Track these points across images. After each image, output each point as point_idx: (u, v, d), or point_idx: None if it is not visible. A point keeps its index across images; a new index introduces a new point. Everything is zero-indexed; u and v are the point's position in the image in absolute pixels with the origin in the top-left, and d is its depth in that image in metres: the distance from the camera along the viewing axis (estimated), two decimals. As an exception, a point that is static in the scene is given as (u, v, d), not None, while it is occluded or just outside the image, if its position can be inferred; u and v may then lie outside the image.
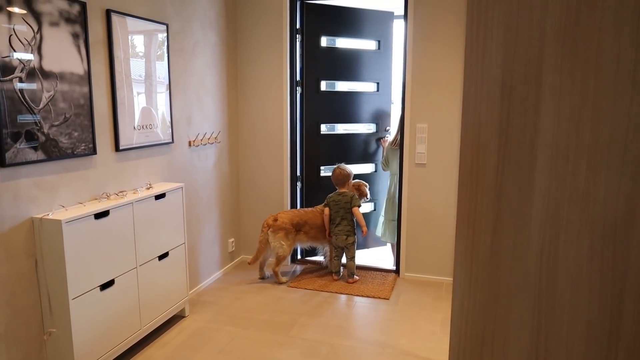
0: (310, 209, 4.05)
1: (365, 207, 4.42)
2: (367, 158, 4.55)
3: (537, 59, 1.22)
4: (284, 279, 3.93)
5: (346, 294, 3.73)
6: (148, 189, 2.97)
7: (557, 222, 1.25)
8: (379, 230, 4.44)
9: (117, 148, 2.80)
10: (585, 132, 1.19)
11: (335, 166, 4.12)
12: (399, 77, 4.07)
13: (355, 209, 3.94)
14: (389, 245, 4.59)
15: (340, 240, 3.96)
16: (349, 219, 3.96)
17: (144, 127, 2.99)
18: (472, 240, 1.34)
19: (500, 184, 1.29)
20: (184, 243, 3.21)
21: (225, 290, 3.77)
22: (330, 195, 4.03)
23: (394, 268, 4.20)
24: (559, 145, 1.22)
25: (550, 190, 1.25)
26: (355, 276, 3.99)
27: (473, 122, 1.29)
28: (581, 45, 1.18)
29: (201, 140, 3.67)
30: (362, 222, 3.95)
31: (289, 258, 4.31)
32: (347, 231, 3.95)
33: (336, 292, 3.75)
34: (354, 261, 3.99)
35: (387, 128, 4.53)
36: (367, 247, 4.65)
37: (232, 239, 4.27)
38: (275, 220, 3.85)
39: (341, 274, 4.06)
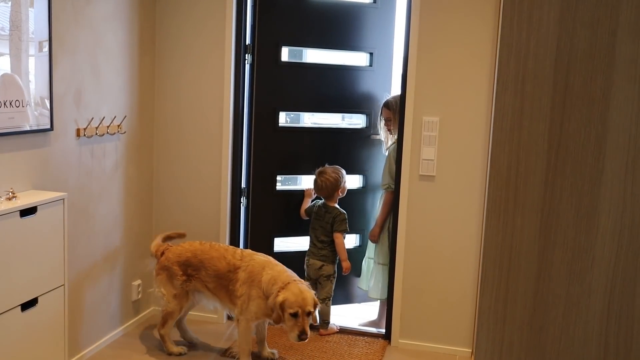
0: (220, 245, 3.87)
1: (347, 240, 4.43)
2: (350, 167, 4.53)
3: (611, 18, 1.23)
4: (176, 348, 3.83)
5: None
6: (9, 199, 2.92)
7: (634, 260, 1.26)
8: (364, 281, 4.47)
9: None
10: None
11: (316, 171, 4.27)
12: (400, 45, 4.11)
13: (337, 235, 4.13)
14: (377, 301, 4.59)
15: (312, 269, 4.16)
16: (327, 242, 4.17)
17: (6, 104, 2.95)
18: (505, 287, 1.33)
19: (549, 203, 1.30)
20: (64, 285, 3.16)
21: (124, 360, 3.71)
22: (317, 202, 4.28)
23: (383, 331, 4.21)
24: (638, 148, 1.24)
25: (625, 213, 1.26)
26: (332, 325, 4.14)
27: (512, 111, 1.30)
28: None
29: (96, 128, 3.62)
30: (344, 254, 4.13)
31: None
32: (323, 256, 4.13)
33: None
34: (329, 304, 4.11)
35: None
36: (344, 302, 4.62)
37: (139, 282, 4.22)
38: (162, 253, 3.84)
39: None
